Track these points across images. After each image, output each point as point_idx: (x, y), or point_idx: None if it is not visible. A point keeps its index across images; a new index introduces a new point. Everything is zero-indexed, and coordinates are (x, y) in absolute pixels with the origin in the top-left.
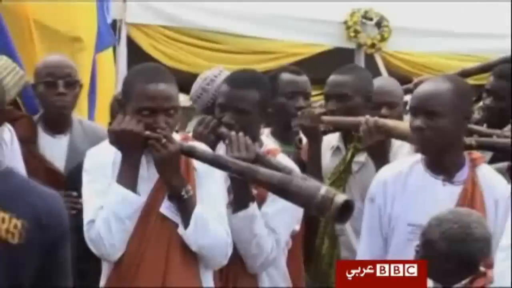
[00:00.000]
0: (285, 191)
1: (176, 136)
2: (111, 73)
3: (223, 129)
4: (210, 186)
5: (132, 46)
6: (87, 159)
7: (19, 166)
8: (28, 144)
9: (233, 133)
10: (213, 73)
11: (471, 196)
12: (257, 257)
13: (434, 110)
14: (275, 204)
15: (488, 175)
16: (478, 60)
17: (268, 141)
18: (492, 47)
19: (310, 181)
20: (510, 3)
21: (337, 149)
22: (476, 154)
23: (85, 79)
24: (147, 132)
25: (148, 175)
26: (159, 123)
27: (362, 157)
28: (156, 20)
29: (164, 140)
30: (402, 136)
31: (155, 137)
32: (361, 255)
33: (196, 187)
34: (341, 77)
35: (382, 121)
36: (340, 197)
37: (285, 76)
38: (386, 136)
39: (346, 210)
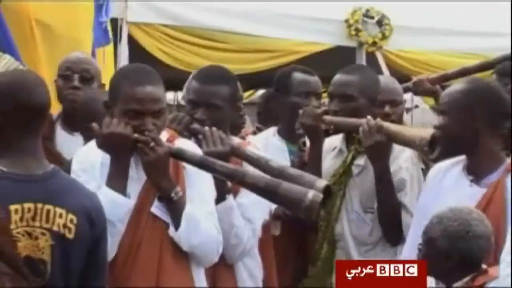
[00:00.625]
0: (273, 195)
1: (163, 134)
2: (110, 71)
3: (196, 125)
4: (200, 185)
5: (134, 45)
6: (74, 161)
7: None
8: (45, 141)
9: (206, 128)
10: None
11: (489, 200)
12: (236, 247)
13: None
14: (250, 195)
15: None
16: (479, 58)
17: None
18: (493, 45)
19: (306, 176)
20: (510, 1)
21: (339, 151)
22: None
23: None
24: (136, 135)
25: (137, 176)
26: (147, 126)
27: (362, 160)
28: (158, 19)
29: (152, 144)
30: (405, 143)
31: (143, 140)
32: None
33: (185, 186)
34: (347, 77)
35: (386, 124)
36: (321, 183)
37: (298, 75)
38: (387, 139)
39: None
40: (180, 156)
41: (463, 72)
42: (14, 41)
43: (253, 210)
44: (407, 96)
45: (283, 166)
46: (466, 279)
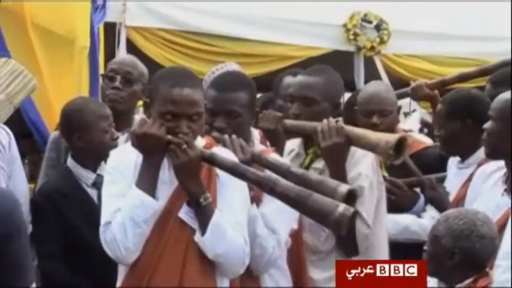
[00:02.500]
0: (303, 205)
1: (200, 141)
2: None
3: (215, 134)
4: (231, 194)
5: (132, 49)
6: (109, 160)
7: (18, 170)
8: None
9: (226, 136)
10: (215, 68)
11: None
12: (261, 258)
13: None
14: (272, 204)
15: None
16: (478, 63)
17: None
18: (492, 50)
19: (328, 182)
20: (510, 5)
21: (297, 155)
22: None
23: (84, 79)
24: (169, 137)
25: (169, 178)
26: (181, 128)
27: (321, 164)
28: (156, 23)
29: (184, 146)
30: (370, 146)
31: (176, 142)
32: None
33: (217, 194)
34: (309, 79)
35: (350, 128)
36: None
37: (288, 79)
38: (351, 143)
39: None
40: (212, 160)
41: (462, 78)
42: (7, 42)
43: (277, 220)
44: (405, 100)
45: (305, 172)
46: (468, 281)
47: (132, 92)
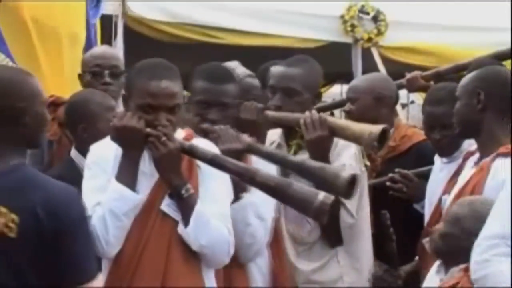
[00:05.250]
0: (283, 195)
1: (180, 132)
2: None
3: (206, 125)
4: (213, 184)
5: (130, 42)
6: (89, 154)
7: None
8: None
9: (218, 127)
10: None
11: (470, 180)
12: (251, 246)
13: None
14: (259, 192)
15: None
16: (475, 54)
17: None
18: (489, 40)
19: (329, 168)
20: None
21: (278, 146)
22: None
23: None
24: (148, 129)
25: (150, 171)
26: (160, 121)
27: (305, 156)
28: (155, 16)
29: (163, 138)
30: (353, 137)
31: (155, 134)
32: None
33: (198, 184)
34: (290, 70)
35: (332, 119)
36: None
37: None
38: (334, 134)
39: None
40: (192, 152)
41: (456, 69)
42: (6, 38)
43: (264, 208)
44: (403, 92)
45: (303, 159)
46: (463, 266)
47: (121, 85)
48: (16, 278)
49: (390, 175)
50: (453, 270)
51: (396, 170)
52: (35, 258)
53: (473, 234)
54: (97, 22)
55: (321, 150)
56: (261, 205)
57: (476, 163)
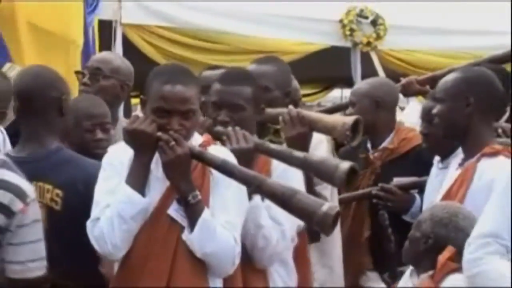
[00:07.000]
0: (288, 204)
1: (198, 138)
2: None
3: (218, 128)
4: (225, 192)
5: (128, 47)
6: (106, 156)
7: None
8: None
9: (229, 128)
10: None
11: (455, 181)
12: (265, 249)
13: None
14: None
15: None
16: (474, 57)
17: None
18: (488, 44)
19: (329, 160)
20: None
21: None
22: None
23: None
24: (158, 133)
25: (163, 176)
26: (172, 125)
27: None
28: (152, 21)
29: (172, 143)
30: (326, 129)
31: (164, 139)
32: None
33: (210, 191)
34: (261, 68)
35: (306, 112)
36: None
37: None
38: (309, 129)
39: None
40: (201, 158)
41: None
42: (6, 42)
43: (281, 212)
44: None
45: (306, 155)
46: (431, 272)
47: (99, 88)
48: (65, 251)
49: (373, 191)
50: (422, 277)
51: (379, 184)
52: (80, 230)
53: (430, 237)
54: (95, 27)
55: (300, 147)
56: (277, 209)
57: (461, 164)
